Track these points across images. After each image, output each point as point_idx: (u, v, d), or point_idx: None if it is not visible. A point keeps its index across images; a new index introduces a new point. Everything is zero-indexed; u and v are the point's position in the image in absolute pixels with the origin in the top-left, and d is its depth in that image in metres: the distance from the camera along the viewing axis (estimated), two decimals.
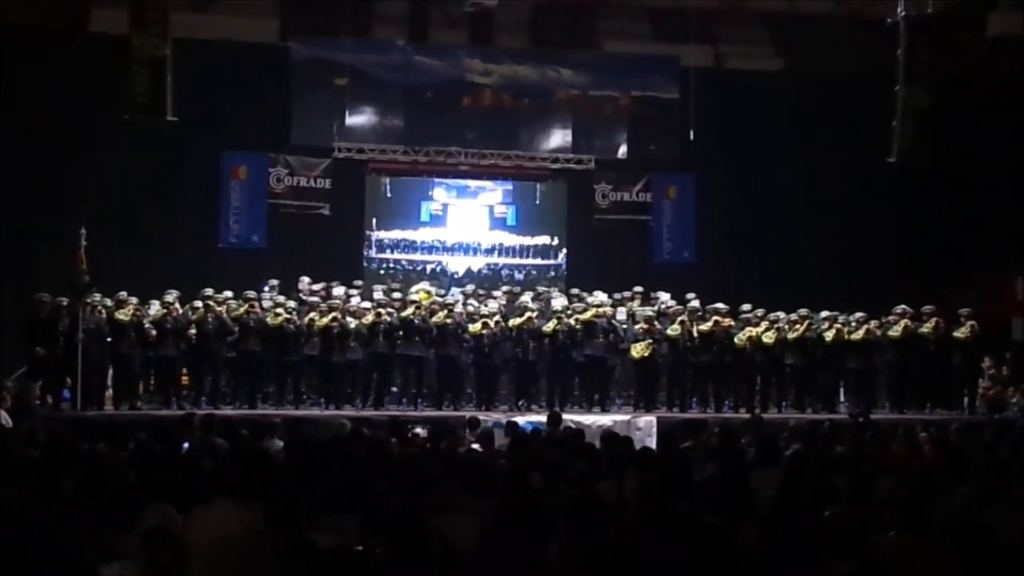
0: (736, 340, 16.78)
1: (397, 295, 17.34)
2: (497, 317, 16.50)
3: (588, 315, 16.60)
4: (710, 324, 16.75)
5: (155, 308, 15.74)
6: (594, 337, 16.61)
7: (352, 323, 16.17)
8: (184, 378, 16.28)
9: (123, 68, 16.91)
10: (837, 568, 4.85)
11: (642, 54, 21.21)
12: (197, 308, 15.89)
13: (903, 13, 18.22)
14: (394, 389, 16.71)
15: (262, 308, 16.21)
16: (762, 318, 17.06)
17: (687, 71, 20.41)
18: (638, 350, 16.51)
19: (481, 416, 14.27)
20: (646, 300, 17.82)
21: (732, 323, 16.92)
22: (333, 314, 16.08)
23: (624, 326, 16.84)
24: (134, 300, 15.66)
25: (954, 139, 19.29)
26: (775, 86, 20.86)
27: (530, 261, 20.65)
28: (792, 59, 21.46)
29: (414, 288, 18.02)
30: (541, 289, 18.79)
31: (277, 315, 16.03)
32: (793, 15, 20.70)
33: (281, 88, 19.61)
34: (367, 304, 16.75)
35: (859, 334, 17.04)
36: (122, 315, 15.43)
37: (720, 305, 17.09)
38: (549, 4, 21.20)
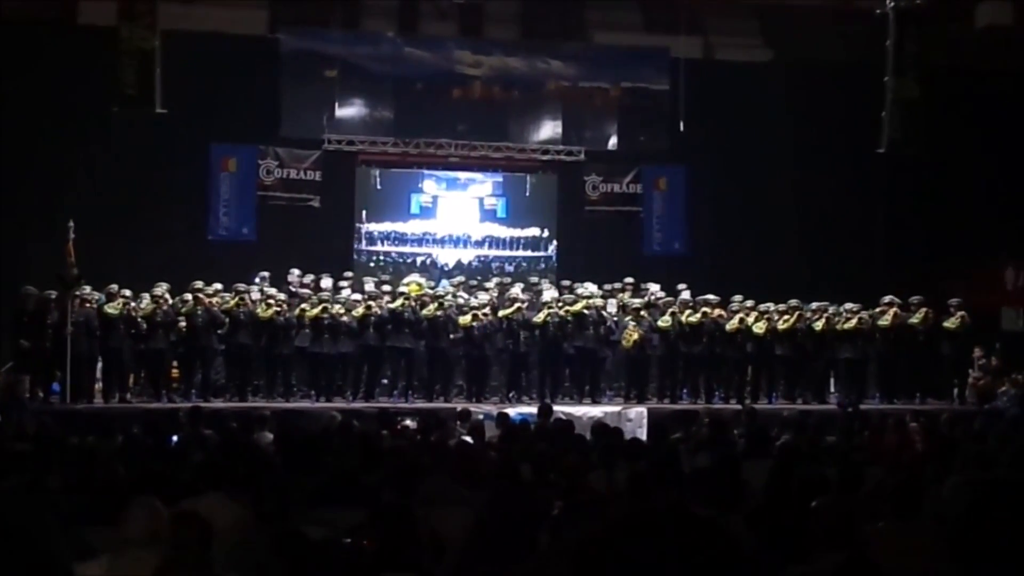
0: (728, 327, 16.81)
1: (387, 287, 17.34)
2: (487, 309, 16.50)
3: (578, 307, 16.60)
4: (700, 315, 16.78)
5: (146, 301, 15.70)
6: (584, 329, 16.62)
7: (342, 313, 16.15)
8: (174, 371, 16.26)
9: (112, 60, 16.85)
10: (826, 558, 4.85)
11: (632, 45, 21.19)
12: (187, 301, 15.86)
13: (892, 4, 18.25)
14: (384, 381, 16.70)
15: (252, 300, 16.19)
16: (752, 309, 17.10)
17: (677, 62, 20.39)
18: (628, 337, 16.51)
19: (472, 408, 14.29)
20: (636, 291, 17.83)
21: (723, 314, 16.95)
22: (323, 305, 16.08)
23: (615, 318, 16.85)
24: (127, 292, 15.63)
25: (943, 130, 19.32)
26: (765, 77, 20.84)
27: (520, 253, 20.63)
28: (782, 50, 21.45)
29: (404, 280, 18.02)
30: (532, 280, 18.80)
31: (268, 306, 16.01)
32: (783, 6, 20.67)
33: (270, 80, 19.55)
34: (357, 296, 16.73)
35: (849, 325, 17.08)
36: (111, 309, 15.38)
37: (711, 296, 17.13)
38: None
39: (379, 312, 16.28)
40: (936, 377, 17.53)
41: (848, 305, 17.31)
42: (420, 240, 20.38)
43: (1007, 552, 3.22)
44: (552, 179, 21.01)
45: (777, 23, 21.12)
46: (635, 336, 16.50)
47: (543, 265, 20.50)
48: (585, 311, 16.63)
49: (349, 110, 20.25)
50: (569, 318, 16.58)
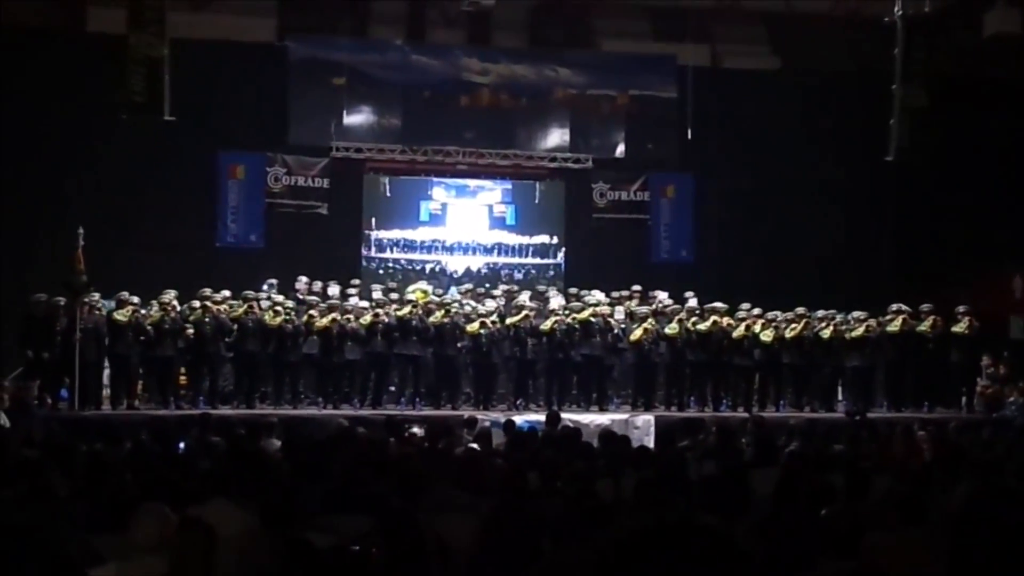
0: (735, 334, 16.80)
1: (395, 295, 17.36)
2: (494, 316, 16.50)
3: (585, 315, 16.59)
4: (708, 323, 16.77)
5: (154, 309, 15.72)
6: (591, 336, 16.61)
7: (352, 322, 16.15)
8: (182, 378, 16.28)
9: (120, 68, 16.88)
10: (834, 567, 4.85)
11: (640, 53, 21.21)
12: (195, 308, 15.87)
13: (900, 12, 18.21)
14: (392, 388, 16.70)
15: (260, 308, 16.20)
16: (759, 317, 17.08)
17: (685, 70, 20.42)
18: (636, 335, 16.53)
19: (479, 415, 14.29)
20: (644, 299, 17.82)
21: (730, 322, 16.93)
22: (333, 315, 16.08)
23: (622, 325, 16.84)
24: (135, 299, 15.65)
25: (951, 138, 19.30)
26: (773, 85, 20.86)
27: (529, 260, 20.66)
28: (790, 58, 21.46)
29: (411, 288, 18.03)
30: (540, 288, 18.81)
31: (276, 314, 16.02)
32: (790, 14, 20.69)
33: (279, 87, 19.62)
34: (365, 304, 16.74)
35: (857, 332, 17.06)
36: (120, 316, 15.41)
37: (718, 304, 17.11)
38: (547, 3, 21.19)
39: (386, 320, 16.29)
40: (944, 385, 17.48)
41: (856, 313, 17.29)
42: (429, 247, 20.42)
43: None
44: (560, 186, 21.04)
45: (785, 31, 21.13)
46: (647, 325, 16.50)
47: (552, 273, 20.52)
48: (592, 319, 16.62)
49: (357, 117, 20.29)
50: (576, 326, 16.56)
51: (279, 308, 16.14)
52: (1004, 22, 18.57)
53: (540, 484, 7.27)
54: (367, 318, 16.21)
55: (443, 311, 16.37)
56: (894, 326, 17.07)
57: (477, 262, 20.53)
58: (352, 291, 17.56)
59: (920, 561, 5.17)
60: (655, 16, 21.19)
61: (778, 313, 17.17)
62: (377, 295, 17.37)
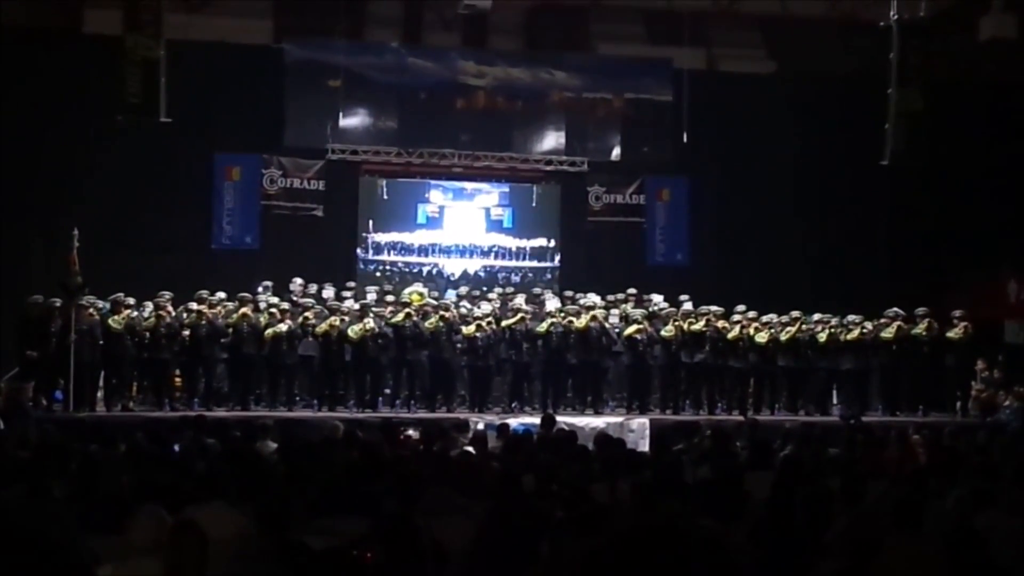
0: (729, 336, 16.80)
1: (390, 298, 17.33)
2: (490, 319, 16.50)
3: (583, 322, 16.51)
4: (703, 323, 16.77)
5: (148, 310, 15.69)
6: (587, 339, 16.60)
7: (348, 325, 16.08)
8: (177, 379, 16.26)
9: (117, 69, 16.87)
10: (829, 570, 4.85)
11: (635, 56, 21.24)
12: (191, 311, 15.83)
13: (896, 16, 18.24)
14: (387, 391, 16.69)
15: (256, 309, 16.16)
16: (754, 320, 17.09)
17: (680, 73, 20.42)
18: (630, 330, 16.55)
19: (474, 418, 14.28)
20: (639, 302, 17.83)
21: (725, 325, 16.95)
22: (332, 319, 16.03)
23: (617, 329, 16.85)
24: (130, 301, 15.62)
25: (947, 142, 19.33)
26: (768, 89, 20.88)
27: (526, 264, 20.65)
28: (785, 62, 21.48)
29: (407, 290, 18.00)
30: (535, 291, 18.80)
31: (271, 316, 15.97)
32: (786, 18, 20.71)
33: (275, 89, 19.60)
34: (357, 306, 16.67)
35: (852, 336, 17.08)
36: (115, 323, 15.36)
37: (713, 307, 17.12)
38: (542, 6, 21.21)
39: (378, 330, 16.19)
40: (939, 389, 17.49)
41: (851, 316, 17.30)
42: (426, 250, 20.40)
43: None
44: (556, 190, 21.04)
45: (780, 35, 21.16)
46: (641, 325, 16.54)
47: (549, 276, 20.51)
48: (591, 324, 16.58)
49: (353, 120, 20.28)
50: (573, 330, 16.52)
51: (274, 311, 16.09)
52: (1000, 26, 18.61)
53: (536, 487, 7.27)
54: (357, 329, 16.04)
55: (438, 315, 16.33)
56: (889, 331, 17.08)
57: (474, 265, 20.52)
58: (347, 294, 17.54)
59: (913, 565, 5.18)
60: (651, 19, 21.21)
61: (773, 316, 17.19)
62: (371, 297, 17.33)
